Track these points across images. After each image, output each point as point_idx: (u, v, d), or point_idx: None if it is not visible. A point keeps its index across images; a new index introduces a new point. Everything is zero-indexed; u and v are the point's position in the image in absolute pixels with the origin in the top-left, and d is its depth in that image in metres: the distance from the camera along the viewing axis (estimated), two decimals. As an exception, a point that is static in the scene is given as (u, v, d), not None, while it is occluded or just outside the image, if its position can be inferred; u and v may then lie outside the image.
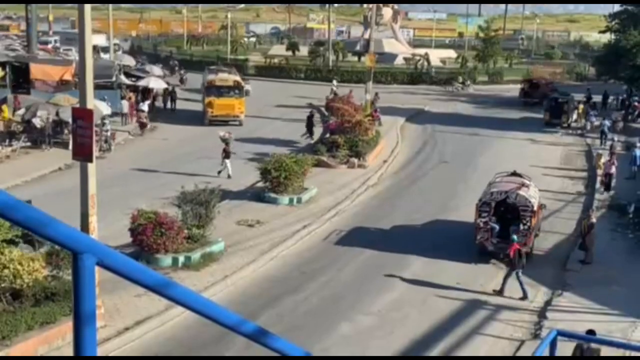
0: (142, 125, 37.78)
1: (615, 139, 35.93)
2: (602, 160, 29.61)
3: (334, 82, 52.82)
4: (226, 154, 28.54)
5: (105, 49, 64.83)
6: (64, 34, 77.28)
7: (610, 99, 50.55)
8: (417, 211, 25.05)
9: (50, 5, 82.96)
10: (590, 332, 13.52)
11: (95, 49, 61.42)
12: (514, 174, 22.47)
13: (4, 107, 33.32)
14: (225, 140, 29.07)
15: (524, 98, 52.67)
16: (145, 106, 39.87)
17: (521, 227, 19.72)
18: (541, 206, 21.60)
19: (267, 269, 19.30)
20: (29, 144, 31.73)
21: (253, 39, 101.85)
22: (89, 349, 1.88)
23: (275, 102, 47.91)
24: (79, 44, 16.53)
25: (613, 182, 28.24)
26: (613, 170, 28.20)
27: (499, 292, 17.93)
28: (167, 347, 14.67)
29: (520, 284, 17.81)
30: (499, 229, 20.15)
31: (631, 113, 46.13)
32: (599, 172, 29.38)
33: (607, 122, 39.40)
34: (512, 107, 51.02)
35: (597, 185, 28.67)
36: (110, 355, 13.96)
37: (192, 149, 33.83)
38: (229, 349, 14.08)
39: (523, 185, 20.91)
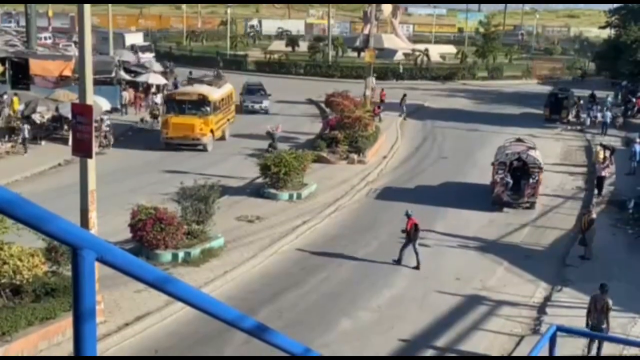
0: (154, 117, 38.48)
1: (605, 139, 35.49)
2: (601, 155, 29.44)
3: (372, 79, 50.76)
4: (272, 150, 28.00)
5: (144, 48, 64.33)
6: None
7: (605, 96, 50.35)
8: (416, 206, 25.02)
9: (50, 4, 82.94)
10: (603, 286, 13.93)
11: (133, 48, 61.22)
12: (519, 140, 27.11)
13: (15, 98, 33.59)
14: (271, 135, 28.76)
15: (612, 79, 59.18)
16: (157, 98, 41.19)
17: (531, 181, 24.19)
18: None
19: (266, 265, 19.31)
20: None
21: (252, 35, 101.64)
22: (88, 345, 1.89)
23: (274, 98, 47.78)
24: (78, 41, 16.53)
25: (607, 182, 27.89)
26: (604, 173, 27.53)
27: (397, 262, 19.16)
28: (167, 342, 14.68)
29: (417, 254, 18.97)
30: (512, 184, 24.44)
31: (631, 109, 46.08)
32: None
33: (609, 114, 39.45)
34: (511, 103, 50.99)
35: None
36: (110, 351, 13.98)
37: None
38: (229, 344, 14.09)
39: (530, 147, 25.56)
